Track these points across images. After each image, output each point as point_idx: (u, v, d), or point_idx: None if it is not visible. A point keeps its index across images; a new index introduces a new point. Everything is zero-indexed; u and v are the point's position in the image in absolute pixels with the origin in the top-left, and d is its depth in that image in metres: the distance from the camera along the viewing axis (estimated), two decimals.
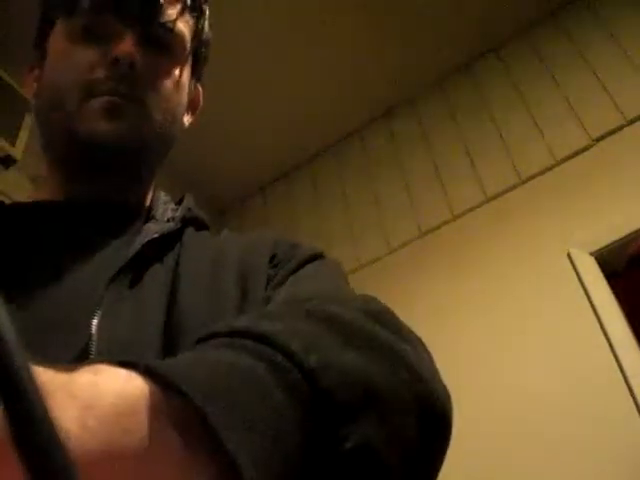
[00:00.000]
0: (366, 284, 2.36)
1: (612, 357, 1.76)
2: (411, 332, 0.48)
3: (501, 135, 2.38)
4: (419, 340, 0.48)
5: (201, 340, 0.38)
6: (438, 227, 2.34)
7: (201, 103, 0.80)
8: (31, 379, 0.18)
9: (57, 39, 0.66)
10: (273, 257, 0.63)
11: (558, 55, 2.42)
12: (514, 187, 2.25)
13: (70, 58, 0.63)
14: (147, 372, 0.30)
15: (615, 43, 2.29)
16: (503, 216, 2.21)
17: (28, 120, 1.96)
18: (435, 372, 0.45)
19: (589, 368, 1.78)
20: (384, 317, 0.45)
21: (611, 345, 1.77)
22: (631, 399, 1.67)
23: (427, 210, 2.40)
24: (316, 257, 0.63)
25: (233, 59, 2.42)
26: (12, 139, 1.94)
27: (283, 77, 2.52)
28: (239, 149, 2.72)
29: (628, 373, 1.71)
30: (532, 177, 2.23)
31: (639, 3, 2.31)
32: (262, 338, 0.35)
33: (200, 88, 0.80)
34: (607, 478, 1.61)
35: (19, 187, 1.87)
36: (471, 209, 2.30)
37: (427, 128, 2.59)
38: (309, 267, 0.61)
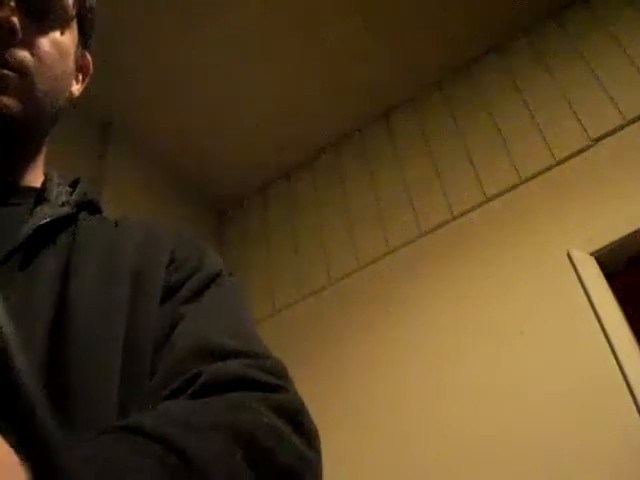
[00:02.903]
0: (366, 284, 2.36)
1: (612, 357, 1.75)
2: (312, 429, 0.52)
3: (501, 135, 2.38)
4: (317, 437, 0.52)
5: (127, 430, 0.40)
6: (438, 227, 2.34)
7: (91, 70, 0.76)
8: (31, 380, 0.18)
9: None
10: (172, 260, 0.62)
11: (558, 55, 2.42)
12: (514, 187, 2.25)
13: None
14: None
15: (615, 43, 2.29)
16: (503, 216, 2.21)
17: None
18: (321, 475, 0.51)
19: (589, 368, 1.78)
20: (292, 416, 0.49)
21: (611, 345, 1.77)
22: (631, 399, 1.67)
23: (427, 210, 2.40)
24: (219, 275, 0.63)
25: (233, 59, 2.42)
26: None
27: (283, 77, 2.52)
28: (239, 149, 2.72)
29: (628, 373, 1.71)
30: (532, 177, 2.23)
31: (639, 3, 2.31)
32: (187, 460, 0.38)
33: (89, 56, 0.76)
34: (606, 477, 1.62)
35: None
36: (471, 209, 2.30)
37: (427, 128, 2.59)
38: (214, 293, 0.61)
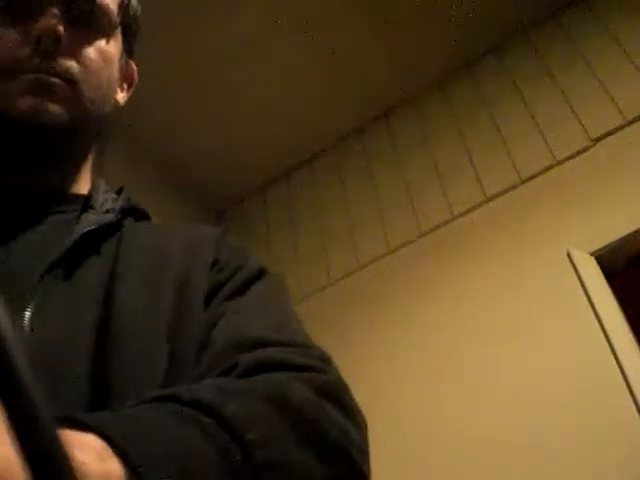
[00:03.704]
0: (366, 284, 2.36)
1: (612, 357, 1.75)
2: (360, 414, 0.51)
3: (501, 135, 2.38)
4: (362, 416, 0.51)
5: (162, 399, 0.40)
6: (438, 227, 2.34)
7: (136, 79, 0.77)
8: (30, 377, 0.18)
9: None
10: (216, 262, 0.62)
11: (558, 55, 2.42)
12: (514, 187, 2.25)
13: None
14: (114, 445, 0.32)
15: (615, 43, 2.29)
16: (503, 216, 2.21)
17: None
18: (369, 464, 0.50)
19: (589, 368, 1.78)
20: (334, 394, 0.49)
21: (611, 345, 1.77)
22: (631, 399, 1.67)
23: (427, 210, 2.39)
24: (263, 272, 0.63)
25: (233, 59, 2.42)
26: None
27: (283, 77, 2.52)
28: (239, 149, 2.72)
29: (628, 373, 1.71)
30: (532, 177, 2.23)
31: (639, 3, 2.31)
32: (224, 421, 0.38)
33: (134, 65, 0.77)
34: (606, 477, 1.61)
35: None
36: (471, 209, 2.30)
37: (427, 128, 2.59)
38: (257, 290, 0.60)
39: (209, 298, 0.58)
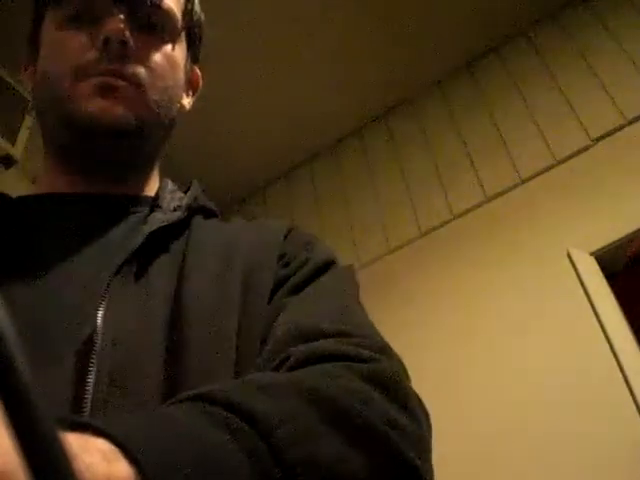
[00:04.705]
0: (366, 284, 2.36)
1: (612, 357, 1.75)
2: (417, 404, 0.49)
3: (501, 135, 2.38)
4: (424, 413, 0.49)
5: (191, 399, 0.39)
6: (438, 227, 2.34)
7: (200, 85, 0.78)
8: (30, 378, 0.18)
9: (48, 30, 0.65)
10: (282, 256, 0.62)
11: (558, 55, 2.42)
12: (514, 187, 2.25)
13: (60, 44, 0.63)
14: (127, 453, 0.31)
15: (615, 43, 2.29)
16: (503, 216, 2.21)
17: (28, 120, 1.97)
18: (428, 455, 0.47)
19: (589, 368, 1.78)
20: (387, 384, 0.46)
21: (611, 345, 1.77)
22: (631, 399, 1.67)
23: (427, 210, 2.39)
24: (329, 264, 0.63)
25: (233, 59, 2.42)
26: (12, 139, 1.94)
27: (283, 77, 2.52)
28: (239, 149, 2.72)
29: (628, 373, 1.71)
30: (532, 177, 2.23)
31: (639, 3, 2.31)
32: (253, 420, 0.37)
33: (198, 70, 0.78)
34: (606, 476, 1.61)
35: (19, 187, 1.87)
36: (471, 209, 2.30)
37: (427, 128, 2.59)
38: (320, 282, 0.60)
39: (274, 293, 0.58)
